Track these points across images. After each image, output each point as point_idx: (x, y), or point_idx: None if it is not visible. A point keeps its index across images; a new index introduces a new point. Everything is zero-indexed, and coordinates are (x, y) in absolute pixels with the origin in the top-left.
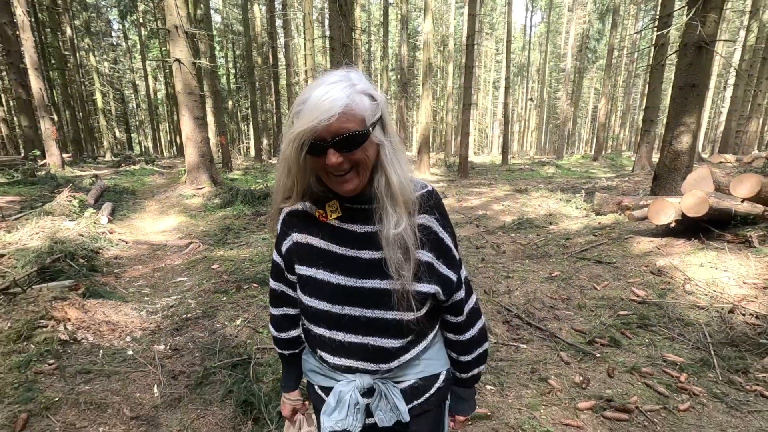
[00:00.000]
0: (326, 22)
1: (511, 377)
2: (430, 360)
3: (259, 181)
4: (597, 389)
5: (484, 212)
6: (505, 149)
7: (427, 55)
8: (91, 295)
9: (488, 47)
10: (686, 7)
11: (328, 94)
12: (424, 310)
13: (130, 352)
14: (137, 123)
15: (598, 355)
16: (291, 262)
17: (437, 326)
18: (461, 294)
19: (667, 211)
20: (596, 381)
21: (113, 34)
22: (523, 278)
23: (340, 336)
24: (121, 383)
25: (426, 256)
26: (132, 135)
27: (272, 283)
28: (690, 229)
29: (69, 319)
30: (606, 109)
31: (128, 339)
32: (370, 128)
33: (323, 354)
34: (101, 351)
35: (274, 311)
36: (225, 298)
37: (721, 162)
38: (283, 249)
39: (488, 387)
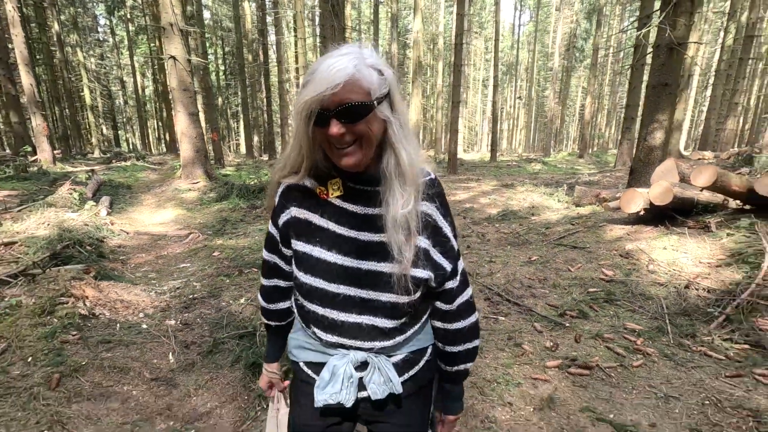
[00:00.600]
0: (317, 20)
1: (489, 343)
2: (419, 335)
3: (252, 177)
4: (565, 352)
5: (471, 205)
6: (493, 146)
7: (417, 53)
8: (102, 278)
9: (477, 46)
10: (659, 11)
11: (336, 65)
12: (417, 294)
13: (144, 326)
14: (125, 120)
15: (567, 325)
16: (287, 236)
17: (429, 309)
18: (454, 283)
19: (636, 200)
20: (564, 346)
21: (100, 29)
22: (504, 262)
23: (334, 314)
24: (139, 351)
25: (423, 242)
26: (119, 132)
27: (265, 255)
28: (657, 216)
29: (87, 297)
30: (592, 108)
31: (141, 315)
32: (375, 102)
33: (316, 330)
34: (118, 325)
35: (265, 282)
36: (228, 281)
37: (699, 159)
38: (280, 222)
39: None
